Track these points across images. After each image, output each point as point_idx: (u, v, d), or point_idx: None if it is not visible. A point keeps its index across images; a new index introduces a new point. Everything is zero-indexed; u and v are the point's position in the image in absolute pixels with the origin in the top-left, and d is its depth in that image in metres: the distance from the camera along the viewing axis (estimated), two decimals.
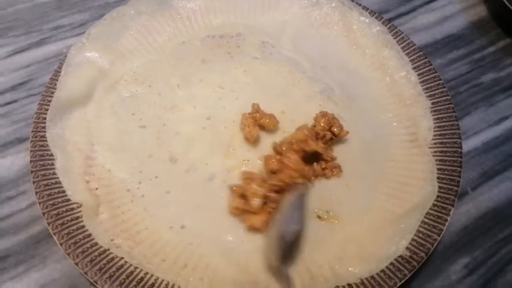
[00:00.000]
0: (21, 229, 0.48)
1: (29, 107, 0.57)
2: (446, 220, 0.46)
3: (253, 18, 0.65)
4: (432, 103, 0.55)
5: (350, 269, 0.44)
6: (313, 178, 0.51)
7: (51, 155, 0.49)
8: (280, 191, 0.48)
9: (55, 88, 0.53)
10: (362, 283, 0.43)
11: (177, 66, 0.60)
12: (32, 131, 0.50)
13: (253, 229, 0.47)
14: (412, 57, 0.59)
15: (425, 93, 0.56)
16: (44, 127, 0.51)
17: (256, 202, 0.46)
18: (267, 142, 0.53)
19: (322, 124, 0.52)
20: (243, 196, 0.48)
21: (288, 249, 0.45)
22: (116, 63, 0.58)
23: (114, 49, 0.59)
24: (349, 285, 0.43)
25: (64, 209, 0.46)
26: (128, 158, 0.52)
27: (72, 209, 0.46)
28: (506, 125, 0.59)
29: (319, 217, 0.49)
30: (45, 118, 0.51)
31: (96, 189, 0.49)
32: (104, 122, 0.54)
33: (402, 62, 0.59)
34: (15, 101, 0.58)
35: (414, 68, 0.58)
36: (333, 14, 0.64)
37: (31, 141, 0.50)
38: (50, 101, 0.52)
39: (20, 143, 0.54)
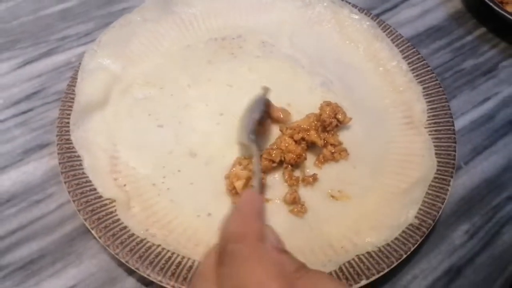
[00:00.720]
0: (53, 229, 0.50)
1: (45, 115, 0.59)
2: (447, 190, 0.51)
3: (251, 20, 0.69)
4: (423, 88, 0.61)
5: (367, 239, 0.49)
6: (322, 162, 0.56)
7: (78, 156, 0.52)
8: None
9: (73, 94, 0.56)
10: (380, 250, 0.48)
11: (185, 68, 0.63)
12: (57, 135, 0.53)
13: None
14: (401, 48, 0.65)
15: (416, 79, 0.62)
16: (67, 131, 0.53)
17: (238, 183, 0.51)
18: (273, 130, 0.58)
19: (327, 112, 0.56)
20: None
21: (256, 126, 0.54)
22: (127, 68, 0.61)
23: (124, 55, 0.62)
24: (368, 253, 0.47)
25: (98, 205, 0.49)
26: (150, 155, 0.55)
27: (105, 204, 0.49)
28: (489, 105, 0.65)
29: (332, 196, 0.53)
30: (67, 123, 0.54)
31: (125, 185, 0.52)
32: (122, 124, 0.57)
33: (393, 53, 0.64)
34: (31, 109, 0.60)
35: (404, 57, 0.64)
36: (325, 12, 0.69)
37: (57, 144, 0.52)
38: (70, 106, 0.55)
39: (41, 149, 0.56)
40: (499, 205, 0.56)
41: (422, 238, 0.48)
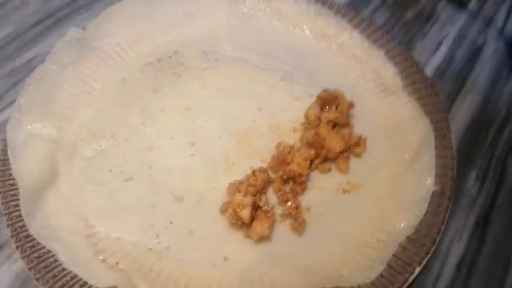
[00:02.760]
0: None
1: None
2: (451, 146, 0.49)
3: (181, 33, 0.62)
4: (385, 52, 0.58)
5: (398, 224, 0.45)
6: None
7: (48, 252, 0.42)
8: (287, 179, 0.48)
9: (11, 179, 0.45)
10: (417, 230, 0.44)
11: (130, 104, 0.54)
12: (12, 236, 0.42)
13: (261, 239, 0.45)
14: (347, 18, 0.61)
15: (374, 45, 0.59)
16: (23, 226, 0.43)
17: (244, 213, 0.44)
18: (255, 143, 0.52)
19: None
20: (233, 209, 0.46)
21: None
22: (63, 127, 0.51)
23: (54, 113, 0.51)
24: (408, 237, 0.44)
25: None
26: (130, 217, 0.46)
27: None
28: (444, 49, 0.65)
29: (344, 191, 0.49)
30: (18, 216, 0.43)
31: (117, 263, 0.43)
32: (84, 193, 0.47)
33: (341, 25, 0.61)
34: None
35: (354, 27, 0.60)
36: (257, 3, 0.64)
37: (17, 247, 0.41)
38: (14, 195, 0.44)
39: None
40: (493, 140, 0.56)
41: (451, 203, 0.46)
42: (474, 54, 0.65)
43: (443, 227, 0.44)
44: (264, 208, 0.45)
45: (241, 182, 0.47)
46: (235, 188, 0.47)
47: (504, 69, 0.63)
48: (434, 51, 0.65)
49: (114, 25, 0.59)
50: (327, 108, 0.52)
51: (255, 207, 0.45)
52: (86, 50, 0.56)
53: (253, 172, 0.47)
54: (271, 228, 0.45)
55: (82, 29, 0.57)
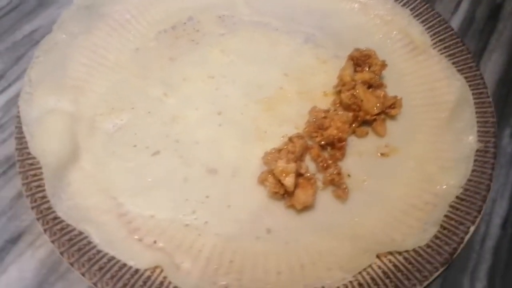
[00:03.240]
0: None
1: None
2: (490, 102, 0.48)
3: None
4: (410, 10, 0.56)
5: (444, 185, 0.43)
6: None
7: (80, 234, 0.39)
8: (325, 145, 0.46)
9: (31, 159, 0.41)
10: (465, 189, 0.43)
11: (148, 75, 0.51)
12: (38, 218, 0.38)
13: (305, 207, 0.43)
14: None
15: (399, 3, 0.56)
16: (49, 208, 0.39)
17: (288, 181, 0.42)
18: (286, 110, 0.49)
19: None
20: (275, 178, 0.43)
21: None
22: (79, 100, 0.47)
23: (67, 86, 0.47)
24: (457, 197, 0.42)
25: (140, 283, 0.37)
26: (162, 193, 0.43)
27: (149, 277, 0.37)
28: (463, 7, 0.63)
29: (382, 154, 0.47)
30: (42, 198, 0.40)
31: (155, 242, 0.40)
32: (109, 169, 0.44)
33: None
34: None
35: None
36: None
37: (45, 230, 0.38)
38: (35, 175, 0.41)
39: (16, 242, 0.42)
40: None
41: (495, 159, 0.44)
42: (495, 12, 0.63)
43: (491, 184, 0.42)
44: (306, 175, 0.43)
45: (279, 150, 0.44)
46: (274, 156, 0.44)
47: None
48: (455, 11, 0.62)
49: None
50: (359, 69, 0.50)
51: (297, 175, 0.43)
52: (96, 18, 0.52)
53: (290, 139, 0.45)
54: (314, 195, 0.43)
55: None
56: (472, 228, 0.40)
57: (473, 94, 0.49)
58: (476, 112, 0.47)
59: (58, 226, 0.39)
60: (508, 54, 0.58)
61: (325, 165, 0.45)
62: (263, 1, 0.58)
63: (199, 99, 0.49)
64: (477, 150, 0.45)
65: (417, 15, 0.55)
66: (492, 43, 0.59)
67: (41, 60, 0.47)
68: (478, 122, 0.47)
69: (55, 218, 0.39)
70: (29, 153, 0.42)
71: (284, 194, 0.43)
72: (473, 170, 0.44)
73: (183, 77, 0.51)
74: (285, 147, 0.44)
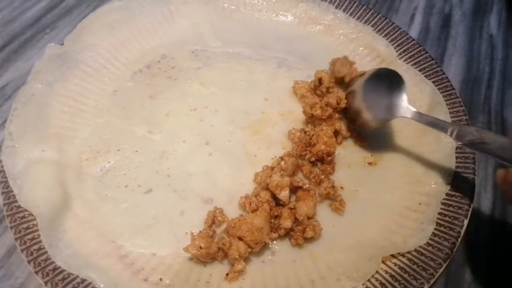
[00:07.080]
0: None
1: None
2: (460, 102, 0.51)
3: (165, 35, 0.59)
4: (372, 26, 0.59)
5: (434, 183, 0.45)
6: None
7: (83, 281, 0.37)
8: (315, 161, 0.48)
9: (22, 212, 0.40)
10: (453, 185, 0.45)
11: (130, 115, 0.51)
12: (37, 272, 0.37)
13: (309, 217, 0.43)
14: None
15: (361, 22, 0.60)
16: (46, 260, 0.38)
17: (284, 195, 0.43)
18: (272, 132, 0.50)
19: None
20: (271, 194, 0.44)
21: None
22: (64, 148, 0.46)
23: (50, 135, 0.47)
24: (447, 194, 0.44)
25: None
26: (161, 229, 0.43)
27: None
28: (418, 20, 0.68)
29: (370, 163, 0.49)
30: (38, 250, 0.38)
31: (161, 280, 0.39)
32: (103, 213, 0.43)
33: (322, 8, 0.61)
34: None
35: (336, 7, 0.61)
36: None
37: (45, 282, 0.36)
38: (27, 228, 0.39)
39: None
40: (486, 96, 0.58)
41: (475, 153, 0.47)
42: (446, 21, 0.68)
43: (475, 178, 0.45)
44: (305, 187, 0.44)
45: (272, 168, 0.45)
46: (267, 173, 0.45)
47: (476, 29, 0.67)
48: (410, 23, 0.67)
49: (93, 36, 0.55)
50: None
51: (296, 188, 0.44)
52: (70, 65, 0.52)
53: (282, 158, 0.46)
54: (315, 207, 0.43)
55: (60, 44, 0.53)
56: (465, 222, 0.42)
57: (443, 96, 0.52)
58: (449, 112, 0.50)
59: (59, 277, 0.37)
60: (466, 56, 0.63)
61: (318, 180, 0.46)
62: (231, 32, 0.60)
63: (185, 132, 0.50)
64: (457, 148, 0.47)
65: (379, 30, 0.59)
66: (449, 48, 0.64)
67: (19, 113, 0.46)
68: (452, 121, 0.50)
69: (55, 268, 0.38)
70: (18, 207, 0.40)
71: (285, 234, 0.43)
72: (457, 166, 0.46)
73: (165, 113, 0.51)
74: (278, 165, 0.45)
